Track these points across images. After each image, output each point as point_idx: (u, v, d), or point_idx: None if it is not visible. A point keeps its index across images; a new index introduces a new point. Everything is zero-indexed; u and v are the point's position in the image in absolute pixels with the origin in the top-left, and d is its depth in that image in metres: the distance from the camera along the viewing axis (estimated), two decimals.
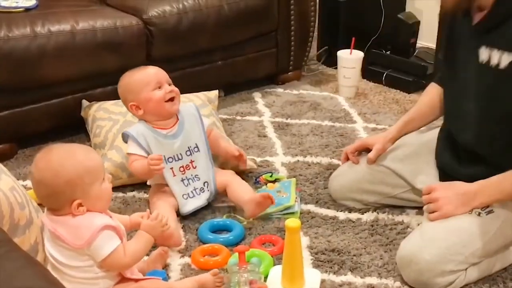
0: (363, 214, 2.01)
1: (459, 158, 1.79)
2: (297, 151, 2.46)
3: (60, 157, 1.44)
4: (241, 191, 2.01)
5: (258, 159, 2.38)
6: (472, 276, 1.67)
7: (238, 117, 2.76)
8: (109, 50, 2.47)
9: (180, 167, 2.00)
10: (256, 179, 2.22)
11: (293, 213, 2.00)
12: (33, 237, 1.48)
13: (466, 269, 1.64)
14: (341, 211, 2.03)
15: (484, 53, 1.62)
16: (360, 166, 2.04)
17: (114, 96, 2.46)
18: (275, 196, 2.03)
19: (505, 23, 1.57)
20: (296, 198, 2.04)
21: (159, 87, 1.97)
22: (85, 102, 2.49)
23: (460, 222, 1.65)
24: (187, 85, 2.62)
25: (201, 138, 2.05)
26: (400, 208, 2.02)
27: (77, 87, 2.48)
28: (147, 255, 1.73)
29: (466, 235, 1.63)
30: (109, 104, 2.42)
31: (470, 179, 1.69)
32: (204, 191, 2.02)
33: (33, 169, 1.44)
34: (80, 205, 1.43)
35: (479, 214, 1.65)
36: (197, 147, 2.03)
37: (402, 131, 2.01)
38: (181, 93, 2.34)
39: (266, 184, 2.16)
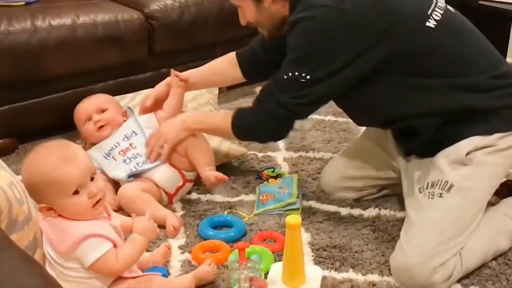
0: (364, 210, 2.00)
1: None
2: (300, 146, 2.44)
3: (34, 161, 1.40)
4: (198, 159, 2.03)
5: (260, 154, 2.37)
6: (470, 265, 1.66)
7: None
8: (110, 45, 2.45)
9: (120, 151, 2.06)
10: (258, 174, 2.21)
11: (295, 209, 1.99)
12: (32, 233, 1.47)
13: (459, 253, 1.63)
14: (343, 206, 2.02)
15: None
16: (341, 157, 2.08)
17: (116, 91, 2.46)
18: (277, 193, 2.02)
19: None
20: (298, 194, 2.03)
21: (89, 119, 2.12)
22: None
23: (426, 212, 1.66)
24: None
25: (136, 123, 2.11)
26: (402, 204, 2.00)
27: (78, 82, 2.46)
28: (148, 251, 1.73)
29: (437, 223, 1.64)
30: None
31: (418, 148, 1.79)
32: (146, 163, 2.03)
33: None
34: (49, 209, 1.40)
35: (440, 195, 1.66)
36: (134, 132, 2.09)
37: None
38: None
39: (268, 180, 2.14)
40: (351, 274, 1.70)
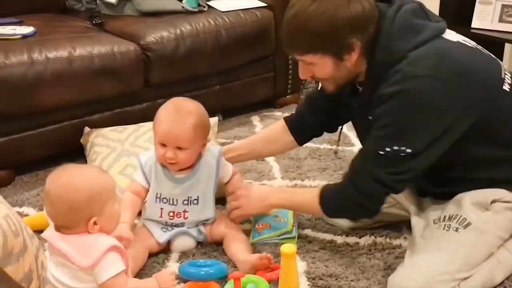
0: (360, 238, 1.99)
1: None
2: (295, 174, 2.45)
3: (79, 175, 1.49)
4: (235, 247, 1.88)
5: (256, 183, 2.37)
6: None
7: (236, 141, 2.75)
8: (106, 76, 2.47)
9: (170, 212, 1.91)
10: None
11: (290, 238, 1.99)
12: (27, 265, 1.47)
13: (459, 284, 1.63)
14: (338, 235, 2.02)
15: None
16: None
17: (112, 122, 2.48)
18: (272, 221, 2.02)
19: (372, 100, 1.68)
20: (293, 223, 2.03)
21: (165, 145, 1.85)
22: (86, 129, 2.49)
23: (438, 242, 1.67)
24: None
25: (207, 192, 1.93)
26: (398, 232, 2.01)
27: (75, 114, 2.48)
28: None
29: (446, 253, 1.64)
30: (107, 131, 2.41)
31: (444, 195, 1.78)
32: (183, 225, 1.93)
33: (51, 187, 1.47)
34: (95, 223, 1.47)
35: (456, 230, 1.67)
36: (197, 200, 1.91)
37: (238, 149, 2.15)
38: None
39: None
40: None
